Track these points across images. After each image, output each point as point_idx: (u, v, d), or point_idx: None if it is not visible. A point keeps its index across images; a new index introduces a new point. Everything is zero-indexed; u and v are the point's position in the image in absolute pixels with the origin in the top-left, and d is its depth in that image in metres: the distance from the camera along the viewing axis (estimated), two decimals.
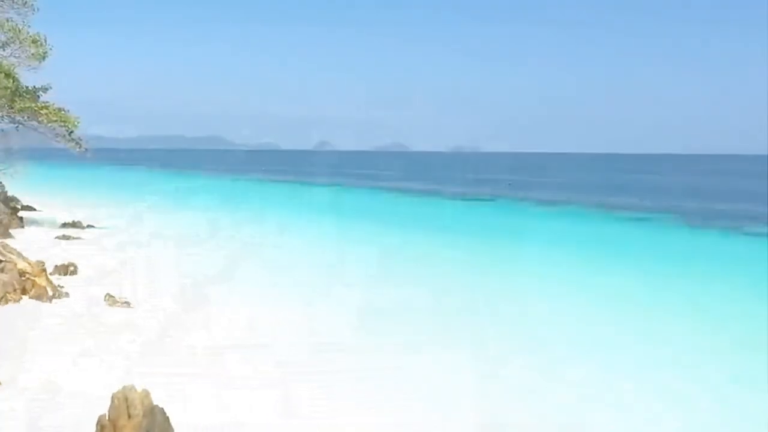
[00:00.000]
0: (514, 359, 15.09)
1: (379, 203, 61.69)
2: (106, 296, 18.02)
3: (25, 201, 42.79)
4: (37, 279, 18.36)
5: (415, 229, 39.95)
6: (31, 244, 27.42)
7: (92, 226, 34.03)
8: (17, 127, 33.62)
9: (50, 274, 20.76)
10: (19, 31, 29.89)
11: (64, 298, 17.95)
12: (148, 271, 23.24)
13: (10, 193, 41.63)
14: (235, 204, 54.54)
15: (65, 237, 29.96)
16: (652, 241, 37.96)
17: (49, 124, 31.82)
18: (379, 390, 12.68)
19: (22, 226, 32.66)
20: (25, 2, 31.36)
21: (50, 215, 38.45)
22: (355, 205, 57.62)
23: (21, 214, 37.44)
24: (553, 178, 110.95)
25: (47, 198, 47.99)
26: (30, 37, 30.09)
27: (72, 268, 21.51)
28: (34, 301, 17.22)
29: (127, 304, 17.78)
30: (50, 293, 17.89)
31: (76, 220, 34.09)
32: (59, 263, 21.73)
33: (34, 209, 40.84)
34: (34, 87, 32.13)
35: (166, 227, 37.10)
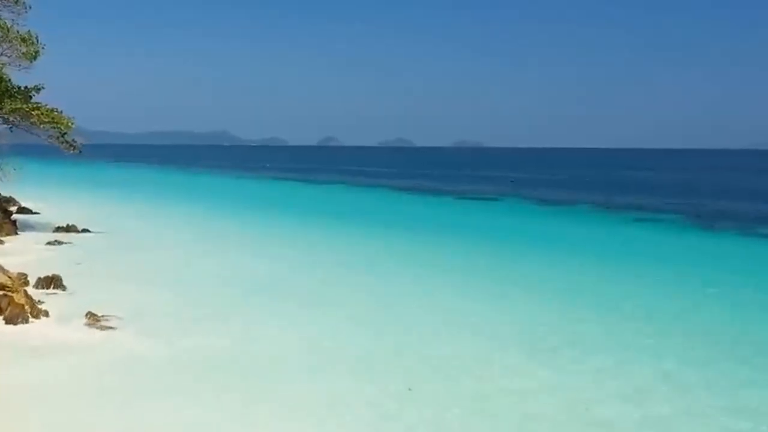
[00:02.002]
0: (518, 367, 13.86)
1: (381, 204, 60.03)
2: (87, 315, 16.45)
3: (23, 203, 41.41)
4: (15, 295, 16.81)
5: (419, 231, 38.31)
6: (20, 251, 25.99)
7: (88, 230, 32.34)
8: (11, 128, 32.05)
9: (33, 286, 19.42)
10: (8, 29, 28.25)
11: (42, 318, 16.35)
12: (140, 283, 21.56)
13: (7, 195, 40.24)
14: (237, 206, 52.74)
15: (57, 243, 28.39)
16: (665, 245, 36.22)
17: (41, 126, 30.18)
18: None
19: (16, 232, 31.06)
20: (17, 0, 29.77)
21: (47, 218, 36.88)
22: (358, 208, 55.88)
23: (17, 216, 35.94)
24: (556, 176, 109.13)
25: (47, 198, 46.56)
26: (19, 35, 28.47)
27: (57, 281, 19.86)
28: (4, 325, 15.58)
29: (110, 323, 16.17)
30: (28, 311, 16.34)
31: (70, 224, 32.32)
32: (44, 275, 20.10)
33: (31, 211, 39.28)
34: (26, 87, 30.55)
35: (164, 231, 35.59)
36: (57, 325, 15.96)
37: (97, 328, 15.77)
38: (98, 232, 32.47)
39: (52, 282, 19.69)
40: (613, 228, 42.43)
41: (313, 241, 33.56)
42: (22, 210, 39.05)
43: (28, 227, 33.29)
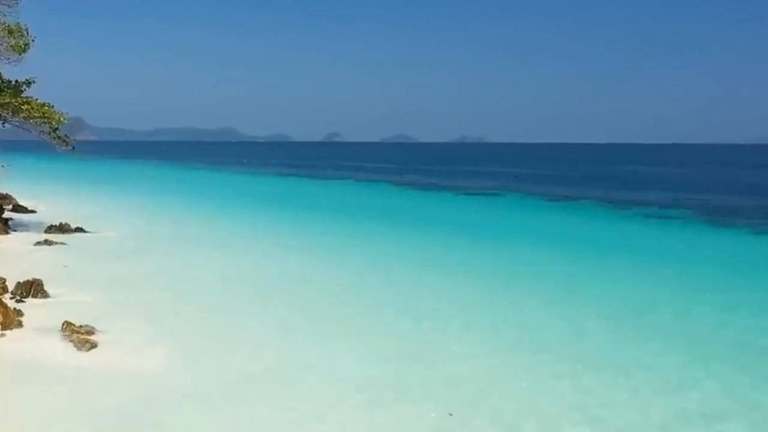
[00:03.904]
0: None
1: (385, 200, 58.26)
2: (64, 325, 14.71)
3: (21, 200, 39.68)
4: None
5: (422, 228, 36.63)
6: (6, 253, 24.32)
7: (81, 230, 30.55)
8: (3, 123, 30.32)
9: (11, 292, 17.74)
10: None
11: (15, 330, 14.60)
12: (130, 288, 19.66)
13: (3, 192, 38.66)
14: (239, 204, 50.70)
15: (47, 243, 26.56)
16: (671, 241, 34.56)
17: (31, 121, 28.42)
18: None
19: (7, 231, 29.39)
20: None
21: (43, 216, 35.12)
22: (361, 204, 53.87)
23: (11, 215, 34.35)
24: (558, 171, 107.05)
25: (45, 196, 45.01)
26: (7, 27, 26.68)
27: (38, 286, 18.08)
28: None
29: (91, 336, 14.40)
30: (0, 321, 14.64)
31: (63, 223, 30.45)
32: (25, 278, 18.32)
33: (26, 209, 37.53)
34: (17, 81, 28.78)
35: (162, 231, 33.68)
36: (30, 338, 14.19)
37: (73, 341, 13.96)
38: (92, 232, 30.66)
39: (32, 287, 17.88)
40: (618, 224, 40.89)
41: (315, 240, 31.79)
42: (18, 208, 37.31)
43: (21, 226, 31.62)
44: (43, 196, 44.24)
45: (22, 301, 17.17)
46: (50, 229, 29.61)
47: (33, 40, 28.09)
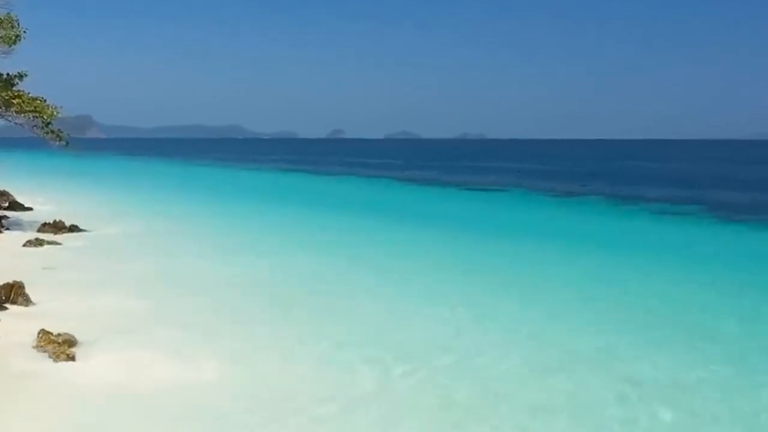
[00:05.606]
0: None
1: (390, 195, 56.87)
2: (41, 333, 13.25)
3: (18, 197, 38.26)
4: None
5: (427, 225, 35.18)
6: None
7: (77, 228, 29.01)
8: None
9: None
10: None
11: None
12: (122, 293, 17.75)
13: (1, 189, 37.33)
14: (243, 202, 48.75)
15: (38, 242, 25.04)
16: (681, 238, 33.09)
17: (23, 115, 26.98)
18: None
19: (0, 230, 27.96)
20: None
21: (40, 214, 33.67)
22: (364, 201, 52.16)
23: (6, 213, 32.93)
24: (561, 166, 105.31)
25: (46, 193, 43.55)
26: None
27: (18, 289, 16.52)
28: None
29: (70, 347, 12.89)
30: None
31: (58, 221, 28.90)
32: (6, 281, 16.81)
33: (23, 207, 36.06)
34: (8, 74, 27.36)
35: (162, 230, 31.89)
36: (3, 347, 12.76)
37: (48, 352, 12.53)
38: (89, 231, 29.02)
39: (12, 291, 16.38)
40: (624, 220, 39.57)
41: (319, 237, 30.28)
42: (14, 205, 35.86)
43: (16, 224, 30.17)
44: (43, 193, 42.80)
45: (3, 308, 15.72)
46: (44, 227, 28.07)
47: (24, 32, 26.72)
